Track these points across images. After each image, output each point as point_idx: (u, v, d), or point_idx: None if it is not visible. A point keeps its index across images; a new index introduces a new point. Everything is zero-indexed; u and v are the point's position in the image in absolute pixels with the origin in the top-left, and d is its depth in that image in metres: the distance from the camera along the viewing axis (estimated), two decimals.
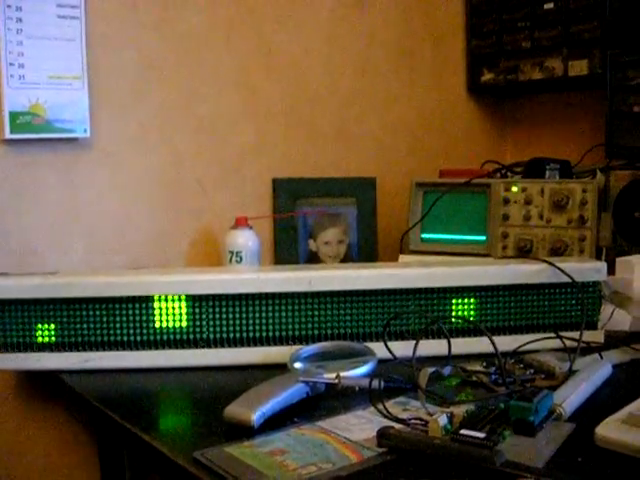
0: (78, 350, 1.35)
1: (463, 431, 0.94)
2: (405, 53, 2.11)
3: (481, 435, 0.93)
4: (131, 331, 1.35)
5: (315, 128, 1.96)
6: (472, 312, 1.40)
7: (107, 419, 1.17)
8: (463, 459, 0.89)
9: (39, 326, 1.34)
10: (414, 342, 1.21)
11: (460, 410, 1.02)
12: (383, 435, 0.96)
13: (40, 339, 1.35)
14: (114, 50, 1.67)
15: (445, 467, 0.90)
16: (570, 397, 1.08)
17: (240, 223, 1.70)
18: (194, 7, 1.77)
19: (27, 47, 1.54)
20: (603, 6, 1.88)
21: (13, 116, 1.53)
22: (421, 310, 1.38)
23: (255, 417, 1.02)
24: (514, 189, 1.73)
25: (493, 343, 1.18)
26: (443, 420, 0.98)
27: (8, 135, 1.53)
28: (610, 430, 0.95)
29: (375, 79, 2.05)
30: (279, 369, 1.22)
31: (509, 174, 1.90)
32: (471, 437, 0.93)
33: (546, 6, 2.01)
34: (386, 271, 1.40)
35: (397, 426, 1.00)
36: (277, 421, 1.05)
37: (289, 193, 1.89)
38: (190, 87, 1.77)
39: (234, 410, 1.04)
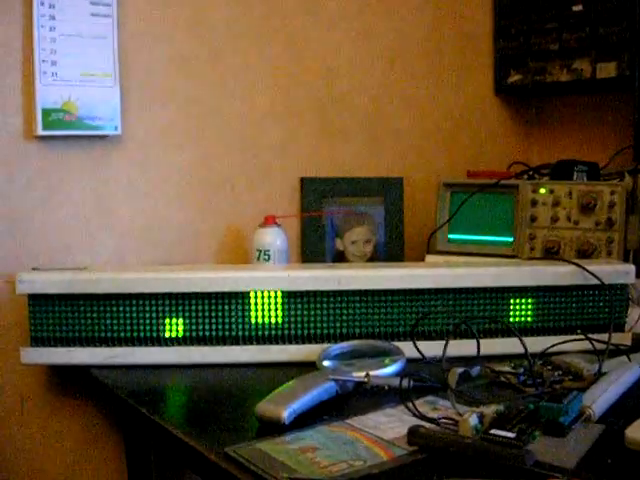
0: (107, 345, 1.37)
1: (493, 431, 0.95)
2: (433, 53, 2.11)
3: (511, 435, 0.93)
4: (160, 327, 1.36)
5: (343, 127, 1.96)
6: (500, 313, 1.40)
7: (135, 414, 1.18)
8: (494, 459, 0.90)
9: (69, 321, 1.36)
10: (442, 342, 1.22)
11: (490, 410, 1.02)
12: (414, 433, 0.96)
13: (70, 334, 1.36)
14: (145, 47, 1.68)
15: (475, 466, 0.90)
16: (599, 399, 1.08)
17: (268, 222, 1.70)
18: (224, 4, 1.78)
19: (60, 44, 1.56)
20: (632, 8, 1.87)
21: (45, 113, 1.55)
22: (450, 310, 1.38)
23: (286, 414, 1.02)
24: (542, 191, 1.73)
25: (523, 344, 1.18)
26: (474, 420, 0.98)
27: (40, 131, 1.55)
28: None
29: (403, 79, 2.05)
30: (308, 367, 1.22)
31: (536, 176, 1.90)
32: (501, 437, 0.93)
33: (574, 8, 2.00)
34: (415, 271, 1.40)
35: (427, 425, 1.01)
36: (307, 418, 1.06)
37: (317, 192, 1.89)
38: (220, 85, 1.78)
39: (265, 407, 1.05)
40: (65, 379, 1.60)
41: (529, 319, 1.41)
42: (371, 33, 2.00)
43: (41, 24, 1.54)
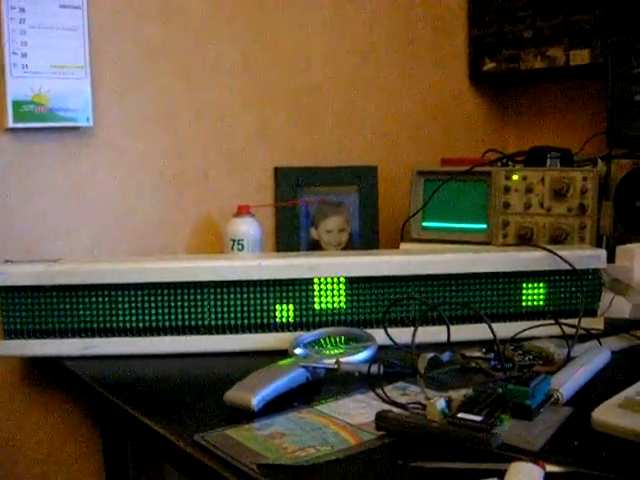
0: (81, 336, 1.36)
1: (460, 415, 0.95)
2: (407, 42, 2.11)
3: (478, 419, 0.94)
4: (133, 317, 1.36)
5: (317, 117, 1.96)
6: (472, 299, 1.41)
7: (109, 404, 1.18)
8: (460, 442, 0.90)
9: (42, 313, 1.36)
10: (413, 329, 1.22)
11: (458, 395, 1.03)
12: (381, 418, 0.97)
13: (43, 326, 1.36)
14: (116, 39, 1.68)
15: (442, 450, 0.90)
16: (568, 382, 1.08)
17: (242, 211, 1.70)
18: None
19: (30, 36, 1.55)
20: None
21: (16, 105, 1.54)
22: (421, 297, 1.39)
23: (255, 401, 1.03)
24: (515, 177, 1.74)
25: (492, 329, 1.19)
26: (441, 404, 0.99)
27: (11, 124, 1.54)
28: (607, 414, 0.96)
29: (377, 68, 2.05)
30: (280, 355, 1.23)
31: (510, 163, 1.91)
32: (468, 420, 0.94)
33: None
34: (386, 258, 1.40)
35: (396, 410, 1.01)
36: (277, 405, 1.06)
37: (291, 182, 1.89)
38: (192, 75, 1.78)
39: (234, 394, 1.05)
40: (40, 371, 1.60)
41: (501, 304, 1.42)
42: (345, 22, 2.00)
43: (10, 16, 1.53)
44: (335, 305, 1.38)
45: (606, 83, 1.84)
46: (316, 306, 1.38)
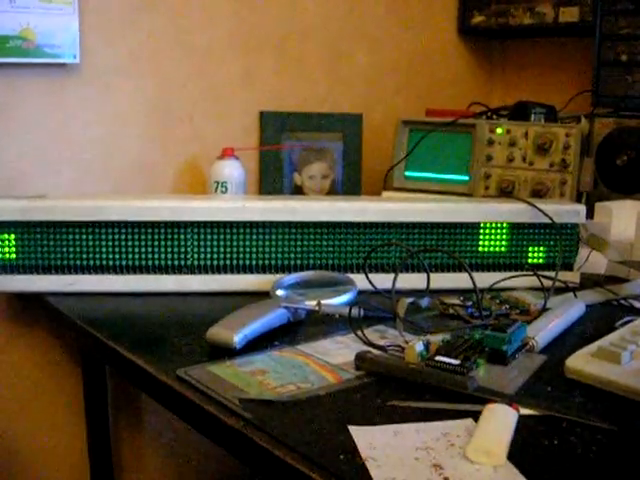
0: (65, 273, 1.37)
1: (438, 357, 0.98)
2: None
3: (455, 362, 0.96)
4: (117, 255, 1.37)
5: (304, 62, 1.96)
6: (451, 248, 1.42)
7: (93, 340, 1.19)
8: (437, 384, 0.93)
9: (26, 249, 1.36)
10: (394, 275, 1.23)
11: (436, 339, 1.05)
12: (361, 358, 0.99)
13: (27, 262, 1.36)
14: None
15: (420, 391, 0.93)
16: (543, 330, 1.11)
17: (227, 154, 1.71)
18: None
19: None
20: None
21: (2, 40, 1.53)
22: (402, 244, 1.41)
23: (237, 338, 1.04)
24: (499, 131, 1.75)
25: (472, 277, 1.20)
26: (419, 347, 1.01)
27: None
28: (580, 362, 0.99)
29: (365, 17, 2.04)
30: (262, 297, 1.24)
31: (495, 117, 1.92)
32: (446, 363, 0.96)
33: None
34: (369, 204, 1.42)
35: (375, 352, 1.03)
36: (258, 344, 1.08)
37: (276, 126, 1.89)
38: (180, 15, 1.76)
39: (216, 331, 1.07)
40: (22, 308, 1.61)
41: (479, 255, 1.44)
42: None
43: None
44: (316, 249, 1.40)
45: (593, 41, 1.84)
46: (297, 249, 1.39)
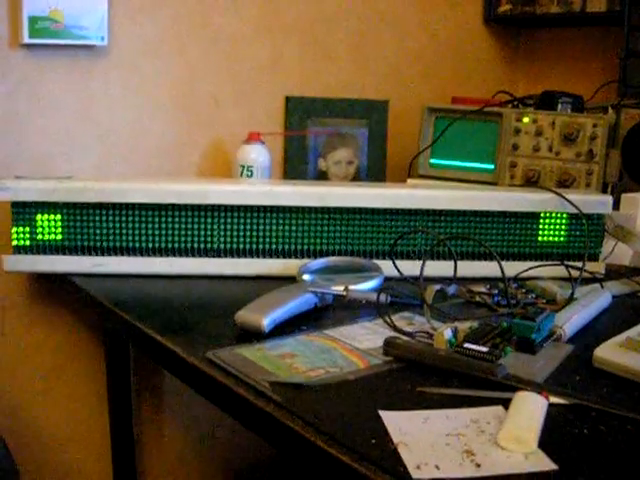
0: (91, 254, 1.38)
1: (467, 345, 0.98)
2: None
3: (484, 349, 0.96)
4: (143, 238, 1.37)
5: (331, 48, 1.95)
6: (480, 237, 1.42)
7: (119, 321, 1.20)
8: (466, 370, 0.93)
9: (51, 230, 1.37)
10: (421, 262, 1.23)
11: (464, 326, 1.05)
12: (390, 344, 0.99)
13: (53, 242, 1.37)
14: None
15: (448, 378, 0.93)
16: (571, 320, 1.11)
17: (253, 138, 1.71)
18: None
19: None
20: None
21: (32, 21, 1.53)
22: (429, 230, 1.40)
23: (266, 322, 1.05)
24: (525, 120, 1.74)
25: (500, 265, 1.20)
26: (448, 333, 1.01)
27: (27, 39, 1.53)
28: (609, 352, 0.99)
29: (392, 4, 2.04)
30: (287, 281, 1.24)
31: (521, 106, 1.91)
32: (474, 350, 0.96)
33: None
34: (397, 191, 1.42)
35: (404, 338, 1.03)
36: (286, 328, 1.09)
37: (301, 112, 1.89)
38: (208, 0, 1.76)
39: (245, 315, 1.07)
40: (46, 289, 1.62)
41: (506, 244, 1.44)
42: None
43: None
44: (343, 235, 1.40)
45: (621, 31, 1.83)
46: (324, 235, 1.40)
